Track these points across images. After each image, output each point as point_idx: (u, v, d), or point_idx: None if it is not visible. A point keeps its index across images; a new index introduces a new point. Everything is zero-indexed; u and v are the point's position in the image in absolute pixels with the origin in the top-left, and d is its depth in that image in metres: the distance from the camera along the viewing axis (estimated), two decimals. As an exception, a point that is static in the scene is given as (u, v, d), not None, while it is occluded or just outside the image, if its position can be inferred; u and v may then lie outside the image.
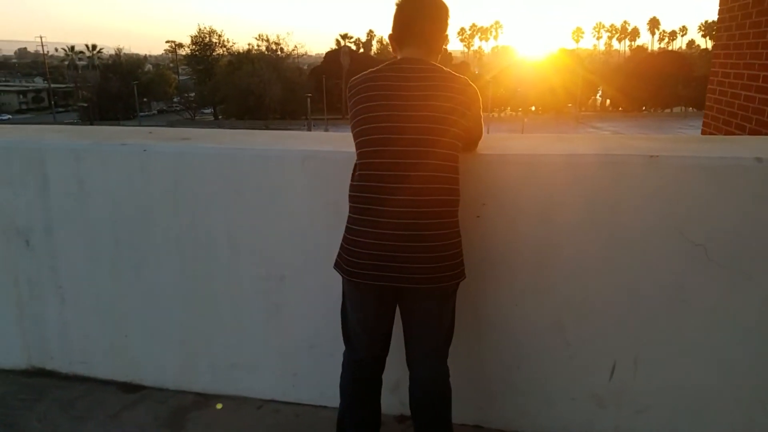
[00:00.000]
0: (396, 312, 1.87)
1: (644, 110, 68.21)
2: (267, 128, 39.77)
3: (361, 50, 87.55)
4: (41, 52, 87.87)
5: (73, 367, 2.67)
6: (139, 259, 2.46)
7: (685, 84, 58.97)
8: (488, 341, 2.20)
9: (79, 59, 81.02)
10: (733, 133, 4.21)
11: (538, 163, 2.03)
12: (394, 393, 2.17)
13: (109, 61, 74.32)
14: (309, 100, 52.82)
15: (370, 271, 1.69)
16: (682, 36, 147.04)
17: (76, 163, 2.42)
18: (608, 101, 72.34)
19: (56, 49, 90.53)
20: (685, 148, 2.15)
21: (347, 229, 1.76)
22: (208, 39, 68.44)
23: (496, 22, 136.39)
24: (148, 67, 79.17)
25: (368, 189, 1.70)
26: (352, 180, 1.77)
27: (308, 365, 2.41)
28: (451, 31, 1.94)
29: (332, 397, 2.02)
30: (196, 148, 2.35)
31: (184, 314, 2.48)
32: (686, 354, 2.05)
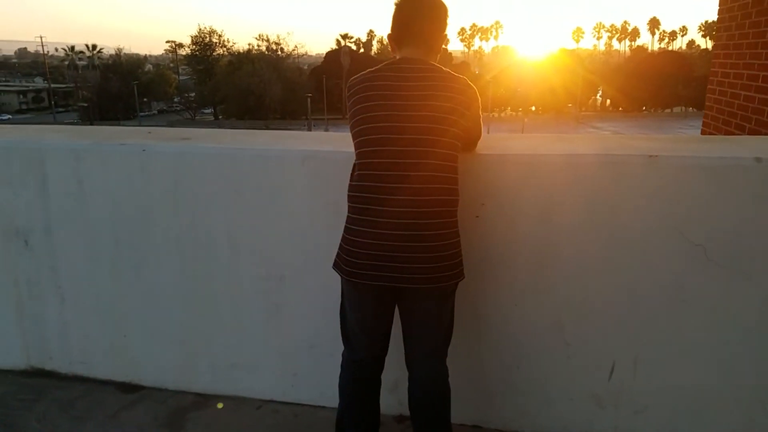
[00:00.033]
0: (395, 312, 1.87)
1: (644, 110, 68.18)
2: (267, 128, 39.79)
3: (362, 50, 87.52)
4: (41, 52, 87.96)
5: (72, 367, 2.66)
6: (139, 259, 2.46)
7: (685, 84, 58.94)
8: (488, 341, 2.20)
9: (79, 59, 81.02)
10: (733, 133, 4.21)
11: (538, 163, 2.03)
12: (393, 393, 2.17)
13: (109, 61, 74.33)
14: (309, 100, 52.86)
15: (369, 271, 1.69)
16: (682, 36, 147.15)
17: (75, 163, 2.42)
18: (608, 101, 72.32)
19: (56, 49, 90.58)
20: (685, 148, 2.15)
21: (346, 229, 1.76)
22: (208, 39, 68.47)
23: (497, 22, 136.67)
24: (149, 67, 79.19)
25: (367, 189, 1.70)
26: (351, 180, 1.77)
27: (308, 365, 2.41)
28: (451, 31, 1.94)
29: (332, 397, 2.02)
30: (196, 148, 2.35)
31: (184, 314, 2.48)
32: (686, 354, 2.05)
